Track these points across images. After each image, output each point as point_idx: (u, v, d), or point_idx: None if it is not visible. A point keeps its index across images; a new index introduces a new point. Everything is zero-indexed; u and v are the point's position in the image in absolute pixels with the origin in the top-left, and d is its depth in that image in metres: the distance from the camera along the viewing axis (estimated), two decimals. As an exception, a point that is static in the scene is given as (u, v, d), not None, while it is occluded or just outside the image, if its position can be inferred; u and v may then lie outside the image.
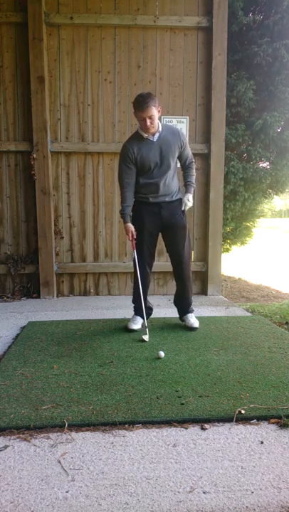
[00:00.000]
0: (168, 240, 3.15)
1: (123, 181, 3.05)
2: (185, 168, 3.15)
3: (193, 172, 3.17)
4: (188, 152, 3.11)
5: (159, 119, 2.97)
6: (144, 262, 3.12)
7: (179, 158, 3.08)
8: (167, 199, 3.04)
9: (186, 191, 3.13)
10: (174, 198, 3.07)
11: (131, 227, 3.06)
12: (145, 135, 2.92)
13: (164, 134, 2.94)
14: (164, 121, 4.19)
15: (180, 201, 3.10)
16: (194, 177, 3.19)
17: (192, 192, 3.15)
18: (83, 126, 4.31)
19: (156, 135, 2.92)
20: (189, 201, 3.11)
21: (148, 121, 2.81)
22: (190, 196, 3.12)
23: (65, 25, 4.15)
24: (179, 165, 3.12)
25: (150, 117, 2.80)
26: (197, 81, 4.32)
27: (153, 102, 2.80)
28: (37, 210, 4.28)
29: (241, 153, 5.11)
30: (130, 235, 3.07)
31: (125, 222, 3.07)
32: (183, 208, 3.09)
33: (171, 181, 3.04)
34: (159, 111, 2.87)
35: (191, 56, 4.30)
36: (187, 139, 3.24)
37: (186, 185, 3.15)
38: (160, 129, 2.94)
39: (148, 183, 3.00)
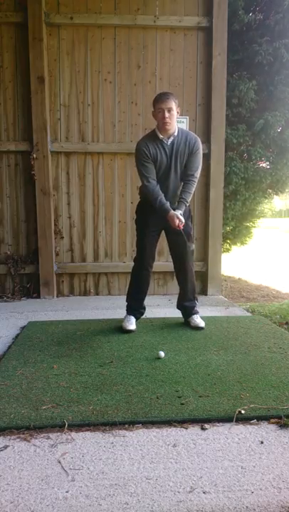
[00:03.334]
0: (171, 243, 3.14)
1: (147, 178, 2.88)
2: (183, 180, 2.96)
3: (191, 189, 2.94)
4: (194, 165, 2.92)
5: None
6: (146, 262, 3.12)
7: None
8: (173, 206, 2.95)
9: (177, 207, 2.91)
10: None
11: (175, 214, 2.85)
12: (160, 136, 2.86)
13: (179, 140, 2.87)
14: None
15: (188, 209, 3.07)
16: (190, 195, 2.96)
17: (182, 210, 2.92)
18: (83, 126, 4.30)
19: (171, 139, 2.87)
20: (183, 219, 2.91)
21: (166, 113, 2.75)
22: (180, 213, 2.89)
23: (65, 25, 4.15)
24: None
25: (169, 110, 2.76)
26: (197, 81, 4.32)
27: (174, 98, 2.80)
28: (37, 210, 4.27)
29: (242, 153, 5.12)
30: (178, 222, 2.84)
31: (168, 211, 2.87)
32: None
33: (176, 196, 2.99)
34: (178, 112, 2.85)
35: (191, 56, 4.29)
36: (201, 150, 2.98)
37: (179, 201, 2.94)
38: (176, 133, 2.87)
39: None
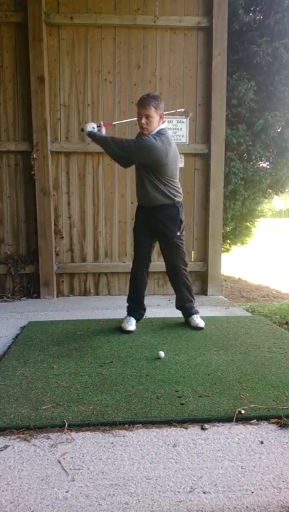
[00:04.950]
0: (161, 248, 3.22)
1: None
2: None
3: (115, 137, 3.08)
4: (126, 139, 3.03)
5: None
6: (141, 264, 3.16)
7: None
8: (146, 204, 3.03)
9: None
10: (156, 204, 2.99)
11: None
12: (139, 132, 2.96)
13: None
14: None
15: (171, 215, 3.03)
16: (114, 140, 2.98)
17: (97, 134, 3.06)
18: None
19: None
20: (85, 126, 3.10)
21: (143, 119, 2.81)
22: (89, 126, 3.07)
23: (65, 25, 4.15)
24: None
25: (146, 117, 2.80)
26: (197, 81, 4.32)
27: (154, 104, 2.79)
28: (37, 210, 4.27)
29: (242, 153, 5.12)
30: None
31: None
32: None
33: (151, 189, 2.95)
34: (161, 116, 2.85)
35: (191, 56, 4.29)
36: (145, 144, 2.87)
37: None
38: (153, 133, 2.87)
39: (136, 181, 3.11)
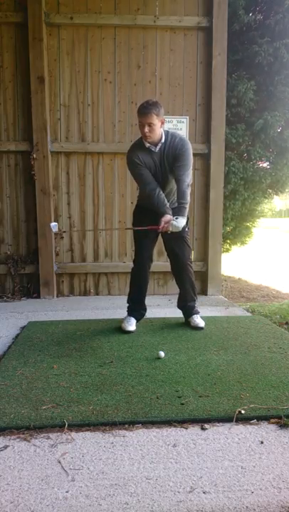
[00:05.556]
0: (167, 245, 3.17)
1: (147, 186, 2.90)
2: (175, 182, 2.91)
3: (182, 187, 2.82)
4: (182, 165, 2.84)
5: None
6: (143, 263, 3.14)
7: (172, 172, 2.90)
8: (171, 205, 2.98)
9: (176, 212, 2.83)
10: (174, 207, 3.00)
11: (166, 219, 2.80)
12: (147, 144, 2.88)
13: (166, 145, 2.87)
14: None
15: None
16: (185, 195, 2.83)
17: (184, 214, 2.83)
18: (83, 126, 4.31)
19: (159, 146, 2.87)
20: (177, 224, 2.78)
21: (146, 128, 2.78)
22: (181, 219, 2.80)
23: (65, 25, 4.15)
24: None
25: (149, 125, 2.77)
26: (197, 81, 4.32)
27: (155, 111, 2.76)
28: (37, 210, 4.27)
29: (241, 153, 5.12)
30: (162, 226, 2.80)
31: (162, 214, 2.83)
32: (169, 229, 2.80)
33: (172, 195, 2.99)
34: (162, 121, 2.84)
35: (191, 56, 4.29)
36: (188, 151, 2.87)
37: (178, 207, 2.85)
38: (163, 140, 2.86)
39: None
